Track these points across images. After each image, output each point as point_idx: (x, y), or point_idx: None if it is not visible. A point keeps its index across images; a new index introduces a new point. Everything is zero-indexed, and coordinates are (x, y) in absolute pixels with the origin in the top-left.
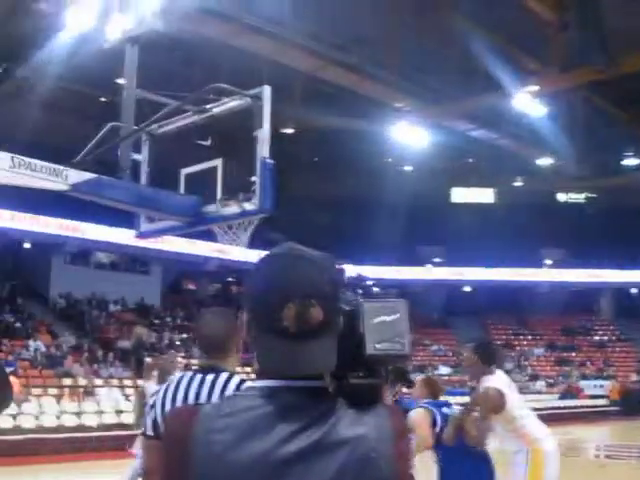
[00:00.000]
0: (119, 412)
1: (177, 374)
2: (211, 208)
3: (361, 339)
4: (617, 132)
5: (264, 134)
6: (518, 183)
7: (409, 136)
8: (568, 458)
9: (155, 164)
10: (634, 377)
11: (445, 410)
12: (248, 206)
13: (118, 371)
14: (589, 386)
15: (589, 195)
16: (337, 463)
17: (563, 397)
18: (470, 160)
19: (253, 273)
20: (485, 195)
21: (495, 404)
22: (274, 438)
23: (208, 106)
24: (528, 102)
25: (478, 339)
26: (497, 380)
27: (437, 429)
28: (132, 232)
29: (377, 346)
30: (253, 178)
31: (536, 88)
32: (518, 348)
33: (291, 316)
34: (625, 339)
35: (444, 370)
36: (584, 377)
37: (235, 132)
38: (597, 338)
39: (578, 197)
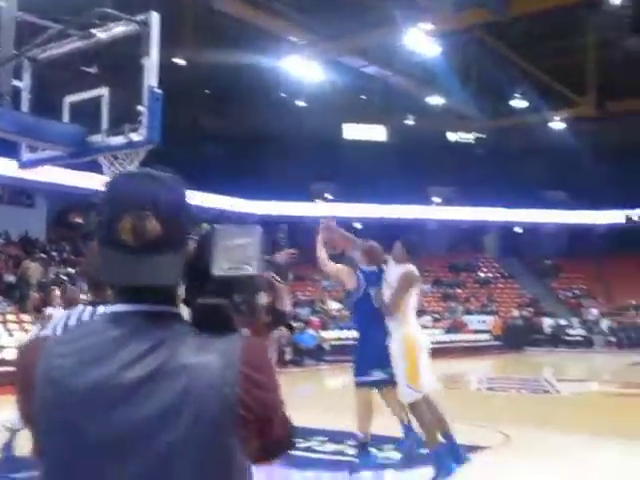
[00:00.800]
0: (1, 348)
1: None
2: (96, 138)
3: (210, 261)
4: (507, 74)
5: (152, 62)
6: (409, 121)
7: (303, 71)
8: (451, 390)
9: (38, 91)
10: (516, 313)
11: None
12: (135, 137)
13: (2, 306)
14: (473, 321)
15: (478, 135)
16: (178, 388)
17: (448, 332)
18: (363, 97)
19: (101, 192)
20: (377, 132)
21: (412, 281)
22: (116, 363)
23: (93, 31)
24: (421, 40)
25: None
26: (414, 267)
27: (361, 288)
28: (14, 163)
29: (225, 267)
30: (140, 108)
31: (430, 27)
32: None
33: (127, 228)
34: (508, 276)
35: (333, 305)
36: (468, 312)
37: (123, 60)
38: (482, 275)
39: (468, 137)
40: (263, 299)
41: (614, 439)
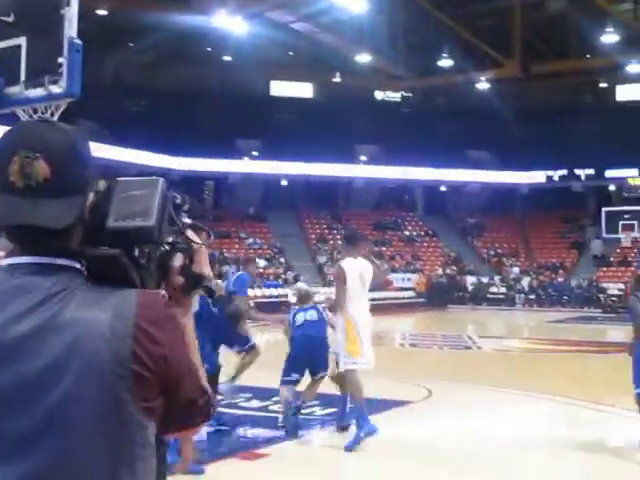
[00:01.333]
0: None
1: None
2: (14, 89)
3: (107, 212)
4: (434, 33)
5: (72, 12)
6: (337, 79)
7: (230, 25)
8: (375, 346)
9: None
10: (439, 271)
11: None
12: (55, 89)
13: None
14: (398, 279)
15: (405, 94)
16: (67, 342)
17: (373, 289)
18: (290, 53)
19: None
20: (304, 90)
21: (342, 276)
22: (5, 317)
23: None
24: None
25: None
26: (348, 262)
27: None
28: None
29: (119, 217)
30: (60, 59)
31: None
32: (332, 242)
33: (15, 170)
34: (433, 235)
35: (260, 263)
36: (393, 270)
37: (41, 9)
38: (407, 233)
39: (394, 95)
40: (178, 260)
41: (532, 393)
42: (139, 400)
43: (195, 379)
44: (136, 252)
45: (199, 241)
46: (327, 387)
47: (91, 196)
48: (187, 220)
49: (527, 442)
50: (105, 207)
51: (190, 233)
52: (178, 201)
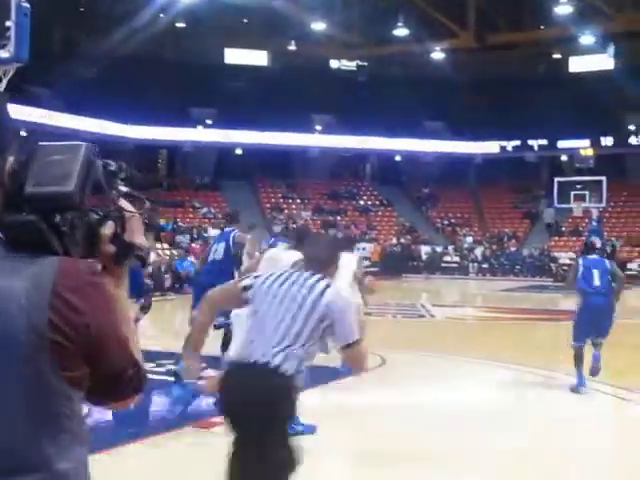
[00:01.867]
0: None
1: None
2: None
3: (27, 178)
4: (390, 1)
5: None
6: (292, 47)
7: None
8: None
9: None
10: (394, 240)
11: None
12: (2, 53)
13: None
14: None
15: (360, 63)
16: None
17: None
18: (245, 21)
19: None
20: (259, 58)
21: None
22: None
23: None
24: None
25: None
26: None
27: None
28: None
29: (38, 184)
30: (8, 23)
31: None
32: (287, 211)
33: None
34: (387, 204)
35: (213, 232)
36: None
37: None
38: (362, 203)
39: (350, 64)
40: (109, 229)
41: (485, 361)
42: (60, 370)
43: (124, 349)
44: (57, 219)
45: (132, 209)
46: None
47: (11, 161)
48: (123, 188)
49: (479, 409)
50: (25, 172)
51: (122, 201)
52: (112, 168)
